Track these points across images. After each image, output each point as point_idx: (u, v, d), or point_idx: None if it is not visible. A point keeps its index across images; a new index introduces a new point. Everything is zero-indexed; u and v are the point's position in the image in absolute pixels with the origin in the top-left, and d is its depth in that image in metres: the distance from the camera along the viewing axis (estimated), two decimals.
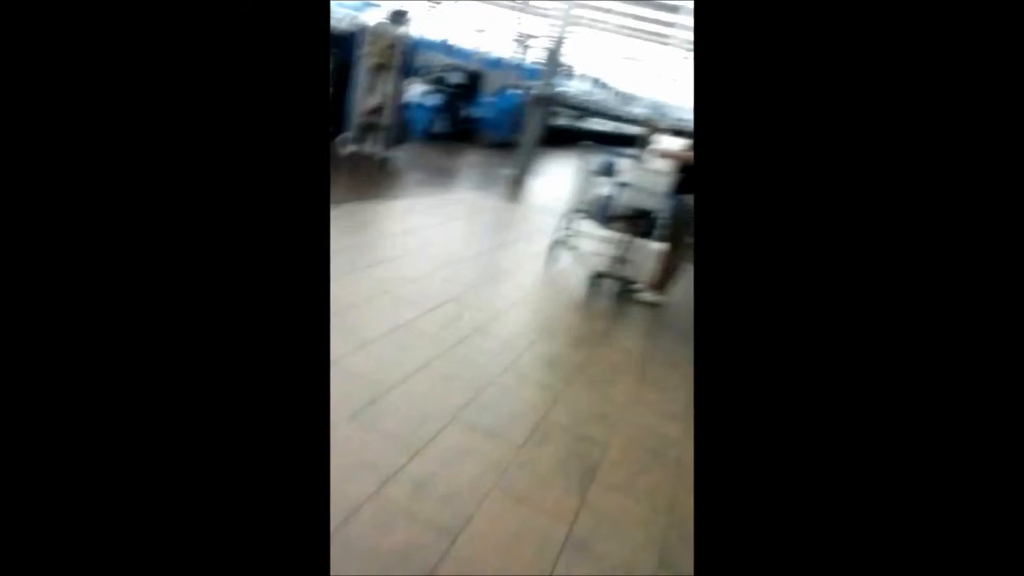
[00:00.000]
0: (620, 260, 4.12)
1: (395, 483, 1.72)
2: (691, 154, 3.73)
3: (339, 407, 1.97)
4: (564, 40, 7.21)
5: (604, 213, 3.85)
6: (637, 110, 19.52)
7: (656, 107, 21.58)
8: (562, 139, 11.16)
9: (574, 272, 4.20)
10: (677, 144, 4.35)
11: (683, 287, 4.39)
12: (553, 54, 7.29)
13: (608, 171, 4.13)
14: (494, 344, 2.81)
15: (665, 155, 3.95)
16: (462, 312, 3.06)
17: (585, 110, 13.69)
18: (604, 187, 4.05)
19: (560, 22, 7.32)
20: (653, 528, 1.85)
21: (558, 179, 8.34)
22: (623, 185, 3.74)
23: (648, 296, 3.98)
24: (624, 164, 3.87)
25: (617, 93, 18.74)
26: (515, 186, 6.96)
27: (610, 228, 3.88)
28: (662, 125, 4.14)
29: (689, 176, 3.73)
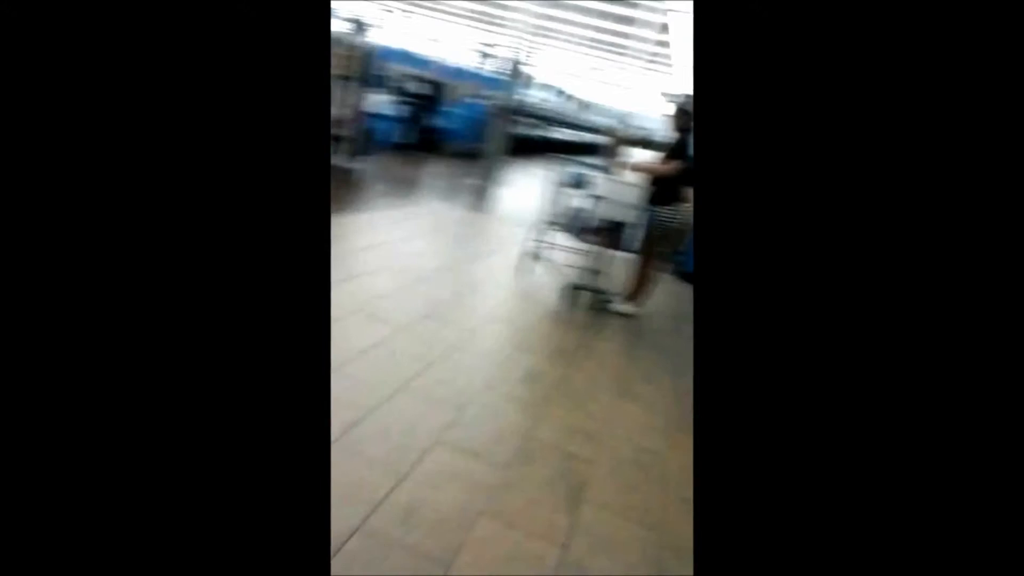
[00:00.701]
0: (593, 272, 4.12)
1: (383, 512, 1.65)
2: (664, 167, 3.75)
3: None
4: (526, 49, 7.23)
5: (577, 225, 3.84)
6: (597, 119, 19.75)
7: (615, 116, 21.86)
8: (524, 148, 11.19)
9: (547, 284, 4.18)
10: (648, 156, 4.38)
11: (656, 298, 4.42)
12: (515, 63, 7.30)
13: (578, 183, 4.13)
14: (473, 361, 2.76)
15: (637, 168, 3.96)
16: (439, 328, 3.00)
17: (546, 119, 13.77)
18: (576, 199, 4.04)
19: (522, 32, 7.34)
20: (646, 547, 1.82)
21: (523, 189, 8.34)
22: (596, 197, 3.74)
23: (622, 307, 3.98)
24: (596, 176, 3.86)
25: (577, 103, 18.94)
26: (481, 196, 6.93)
27: (583, 240, 3.87)
28: (625, 135, 4.13)
29: (661, 188, 3.75)
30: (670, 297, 4.73)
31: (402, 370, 2.47)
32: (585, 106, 19.85)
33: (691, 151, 3.89)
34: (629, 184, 3.81)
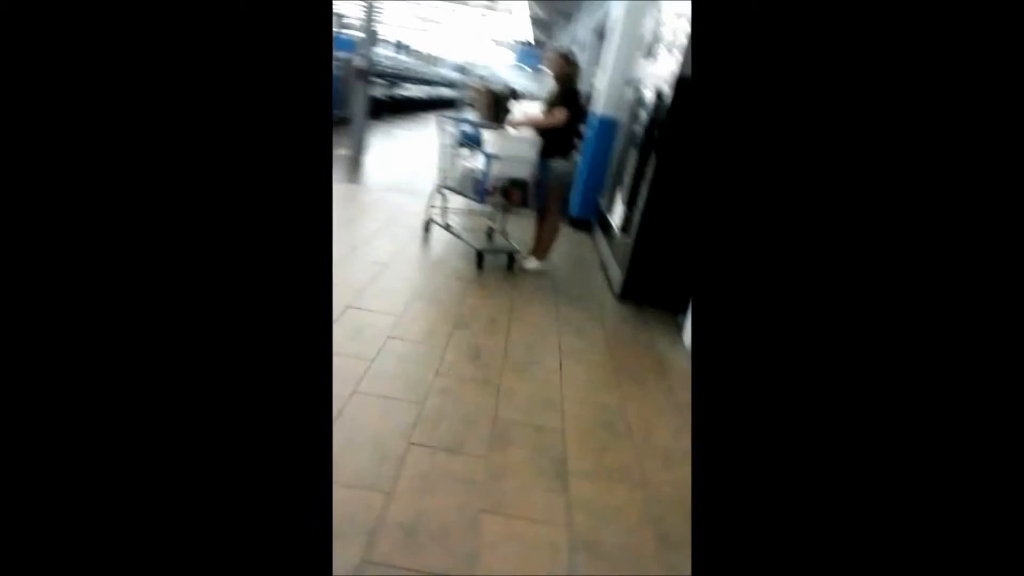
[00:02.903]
0: (499, 233, 4.03)
1: (383, 537, 1.51)
2: (552, 119, 3.69)
3: None
4: (376, 7, 6.77)
5: (478, 188, 3.70)
6: (444, 72, 19.32)
7: (461, 68, 21.51)
8: (381, 110, 10.70)
9: (455, 252, 4.04)
10: (530, 109, 4.28)
11: (562, 250, 4.43)
12: (367, 22, 6.83)
13: (466, 142, 3.97)
14: (413, 347, 2.60)
15: (525, 123, 3.86)
16: (368, 317, 2.79)
17: (397, 77, 13.23)
18: (471, 161, 3.89)
19: None
20: (638, 507, 1.84)
21: (394, 153, 7.98)
22: (492, 157, 3.60)
23: (533, 264, 3.94)
24: (487, 135, 3.71)
25: (422, 56, 18.38)
26: (355, 166, 6.52)
27: (486, 202, 3.73)
28: (488, 87, 3.95)
29: (552, 140, 3.70)
30: (569, 246, 4.77)
31: (347, 370, 2.27)
32: (429, 59, 19.31)
33: (579, 100, 3.86)
34: (521, 139, 3.71)
